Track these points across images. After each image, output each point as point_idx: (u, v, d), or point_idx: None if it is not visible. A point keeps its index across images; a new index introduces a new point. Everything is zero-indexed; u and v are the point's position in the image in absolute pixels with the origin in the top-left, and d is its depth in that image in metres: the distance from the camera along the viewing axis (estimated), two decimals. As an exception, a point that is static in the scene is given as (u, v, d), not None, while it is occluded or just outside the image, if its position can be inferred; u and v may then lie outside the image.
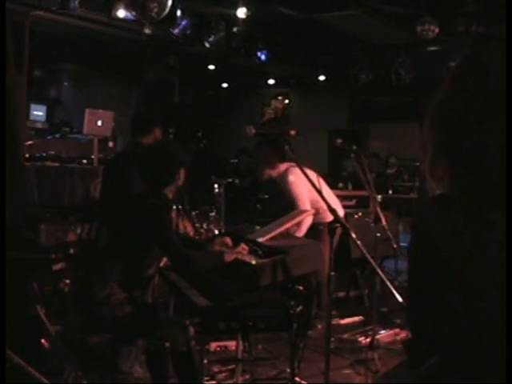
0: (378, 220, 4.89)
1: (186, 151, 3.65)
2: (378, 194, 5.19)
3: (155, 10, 5.95)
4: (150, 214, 3.27)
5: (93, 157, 6.20)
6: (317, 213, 4.95)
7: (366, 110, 11.42)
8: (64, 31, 7.73)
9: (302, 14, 7.31)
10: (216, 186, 6.85)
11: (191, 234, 5.92)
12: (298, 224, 4.91)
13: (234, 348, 4.05)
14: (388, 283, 2.95)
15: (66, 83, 10.57)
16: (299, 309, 3.20)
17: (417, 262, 1.23)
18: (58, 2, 5.80)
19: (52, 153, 6.36)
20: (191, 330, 3.32)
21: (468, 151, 1.15)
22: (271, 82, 11.46)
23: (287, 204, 5.25)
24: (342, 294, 6.28)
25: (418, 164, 9.37)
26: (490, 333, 1.12)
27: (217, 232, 6.11)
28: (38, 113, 8.58)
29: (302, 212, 4.61)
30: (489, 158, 1.12)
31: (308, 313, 4.92)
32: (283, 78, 11.31)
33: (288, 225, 3.89)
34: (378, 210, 4.86)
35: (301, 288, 3.22)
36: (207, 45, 7.43)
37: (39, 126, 8.19)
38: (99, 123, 6.18)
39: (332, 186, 5.80)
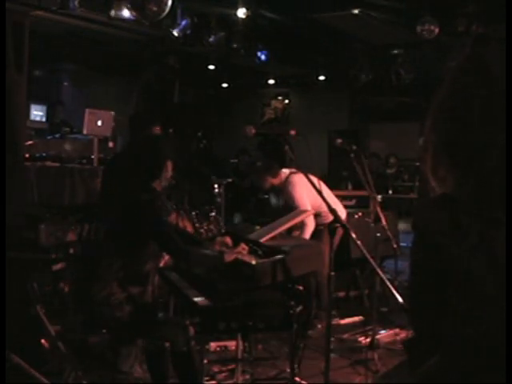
0: (377, 220, 4.89)
1: (169, 144, 3.65)
2: (378, 194, 5.19)
3: (155, 10, 5.95)
4: (139, 209, 3.27)
5: (93, 157, 6.20)
6: (318, 215, 4.96)
7: (365, 110, 11.42)
8: (64, 31, 7.73)
9: (301, 14, 7.31)
10: (216, 185, 6.85)
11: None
12: (302, 229, 4.93)
13: (233, 348, 4.05)
14: (388, 283, 2.94)
15: (65, 83, 10.57)
16: (299, 309, 3.20)
17: (419, 262, 1.23)
18: (58, 2, 5.80)
19: (52, 153, 6.35)
20: (191, 330, 3.32)
21: (471, 151, 1.15)
22: (271, 81, 11.46)
23: (287, 204, 5.26)
24: (342, 294, 6.28)
25: (417, 164, 9.37)
26: (491, 333, 1.12)
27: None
28: (38, 113, 8.58)
29: (302, 212, 4.61)
30: (491, 158, 1.12)
31: (308, 313, 4.93)
32: (283, 77, 11.31)
33: (288, 225, 3.89)
34: (378, 209, 4.86)
35: (301, 288, 3.23)
36: (207, 45, 7.43)
37: (39, 126, 8.19)
38: (99, 123, 6.18)
39: (332, 186, 5.79)
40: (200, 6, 7.13)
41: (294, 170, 5.06)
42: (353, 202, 6.59)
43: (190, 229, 5.98)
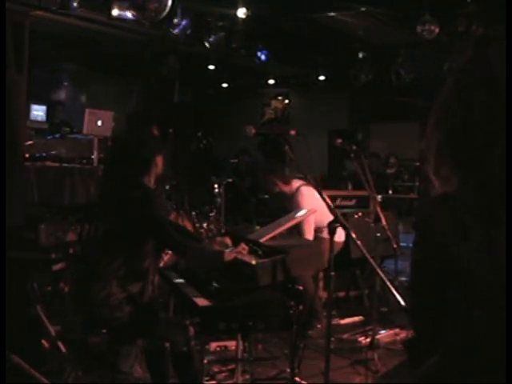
0: (377, 220, 4.89)
1: (158, 138, 3.63)
2: (378, 194, 5.19)
3: (155, 10, 5.95)
4: (131, 207, 3.26)
5: (93, 157, 6.20)
6: (319, 231, 4.98)
7: (366, 110, 11.42)
8: (64, 31, 7.73)
9: (301, 14, 7.31)
10: (216, 186, 6.85)
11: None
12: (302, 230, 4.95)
13: (233, 348, 4.05)
14: (388, 283, 2.94)
15: (65, 83, 10.57)
16: (299, 309, 3.20)
17: (419, 261, 1.23)
18: (58, 2, 5.80)
19: (52, 153, 6.35)
20: (191, 330, 3.32)
21: (474, 150, 1.15)
22: (271, 82, 11.46)
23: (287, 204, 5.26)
24: (342, 293, 6.28)
25: (417, 164, 9.38)
26: (491, 333, 1.12)
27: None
28: (38, 113, 8.58)
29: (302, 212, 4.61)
30: (494, 157, 1.13)
31: (307, 313, 4.93)
32: (283, 78, 11.32)
33: (288, 225, 3.89)
34: (378, 209, 4.86)
35: (301, 288, 3.23)
36: (207, 45, 7.43)
37: (39, 126, 8.19)
38: (99, 123, 6.18)
39: (332, 186, 5.80)
40: (200, 6, 7.13)
41: (304, 182, 5.08)
42: (353, 202, 6.59)
43: (190, 229, 5.98)
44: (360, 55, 8.89)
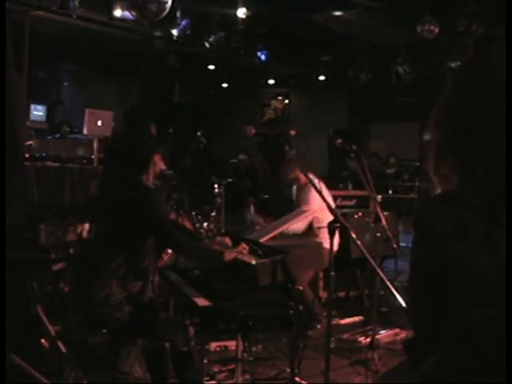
0: (377, 220, 4.89)
1: (154, 137, 3.62)
2: (378, 194, 5.19)
3: (155, 10, 5.95)
4: (131, 206, 3.26)
5: (93, 157, 6.21)
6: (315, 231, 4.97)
7: (365, 110, 11.43)
8: (64, 31, 7.73)
9: (302, 14, 7.31)
10: (216, 186, 6.85)
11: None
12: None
13: (234, 348, 4.05)
14: (388, 283, 2.95)
15: (65, 83, 10.57)
16: (299, 309, 3.20)
17: (419, 261, 1.23)
18: (58, 2, 5.80)
19: (52, 153, 6.35)
20: (191, 330, 3.32)
21: (474, 149, 1.16)
22: (271, 82, 11.46)
23: (287, 204, 5.25)
24: (342, 293, 6.28)
25: (417, 164, 9.38)
26: (491, 333, 1.12)
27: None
28: (38, 113, 8.58)
29: (302, 212, 4.61)
30: (496, 156, 1.13)
31: (307, 313, 4.93)
32: (283, 78, 11.31)
33: (288, 225, 3.90)
34: (378, 209, 4.86)
35: (301, 288, 3.23)
36: (207, 45, 7.43)
37: (39, 126, 8.19)
38: (99, 123, 6.18)
39: (332, 186, 5.79)
40: (200, 6, 7.13)
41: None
42: (353, 202, 6.58)
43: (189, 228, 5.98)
44: (360, 55, 8.90)
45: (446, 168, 1.20)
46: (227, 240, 3.64)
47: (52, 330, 3.62)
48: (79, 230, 4.96)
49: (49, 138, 7.26)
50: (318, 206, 4.82)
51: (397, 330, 5.20)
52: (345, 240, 4.94)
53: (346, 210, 6.16)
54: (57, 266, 4.65)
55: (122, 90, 10.94)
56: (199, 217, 6.18)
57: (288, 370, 3.92)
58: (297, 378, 3.66)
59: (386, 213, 5.35)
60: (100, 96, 10.27)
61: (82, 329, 3.46)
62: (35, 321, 3.64)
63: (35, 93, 7.77)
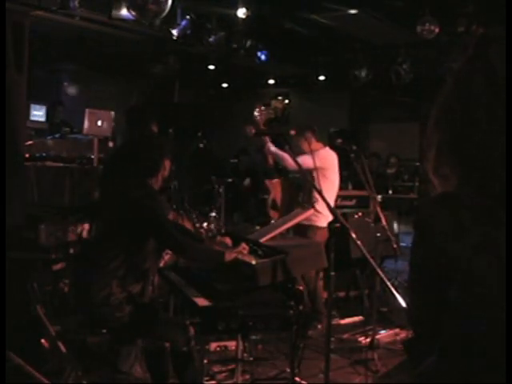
0: (377, 220, 4.89)
1: (167, 141, 3.64)
2: (378, 194, 5.19)
3: (155, 10, 5.95)
4: (133, 206, 3.27)
5: (93, 157, 6.21)
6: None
7: (366, 110, 11.43)
8: (64, 31, 7.73)
9: (302, 14, 7.31)
10: (216, 186, 6.86)
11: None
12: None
13: (233, 348, 4.05)
14: (388, 283, 2.94)
15: (65, 83, 10.57)
16: (299, 309, 3.20)
17: (419, 261, 1.23)
18: (58, 2, 5.80)
19: (52, 153, 6.36)
20: (191, 330, 3.32)
21: (475, 149, 1.16)
22: (271, 81, 11.46)
23: (287, 204, 5.26)
24: (342, 293, 6.28)
25: (417, 164, 9.38)
26: (492, 333, 1.12)
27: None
28: (38, 113, 8.58)
29: (302, 212, 4.61)
30: (495, 156, 1.13)
31: (311, 311, 4.94)
32: (283, 78, 11.31)
33: (288, 225, 3.89)
34: (378, 209, 4.86)
35: (301, 288, 3.23)
36: (207, 45, 7.43)
37: (39, 126, 8.19)
38: (99, 123, 6.18)
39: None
40: (200, 6, 7.12)
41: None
42: (353, 202, 6.59)
43: (190, 228, 5.98)
44: (360, 55, 8.89)
45: (446, 168, 1.20)
46: (227, 240, 3.64)
47: (52, 329, 3.62)
48: (79, 230, 4.96)
49: (49, 137, 7.26)
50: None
51: (397, 330, 5.20)
52: (345, 240, 4.95)
53: (346, 210, 6.16)
54: (57, 266, 4.65)
55: (122, 90, 10.94)
56: (199, 217, 6.19)
57: (288, 370, 3.92)
58: (297, 378, 3.66)
59: (386, 213, 5.35)
60: (100, 96, 10.26)
61: (82, 329, 3.46)
62: (35, 321, 3.64)
63: (35, 93, 7.77)
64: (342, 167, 5.48)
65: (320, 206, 4.43)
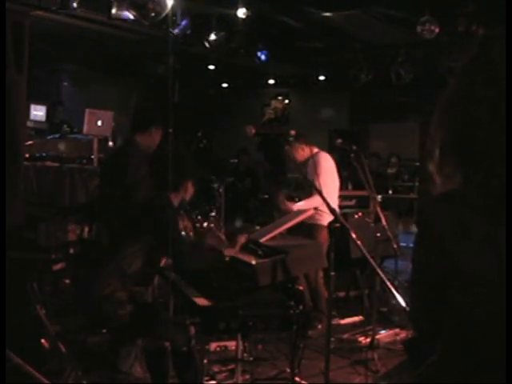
0: (378, 220, 4.89)
1: (197, 166, 3.68)
2: (378, 194, 5.19)
3: (155, 10, 5.95)
4: (148, 211, 3.29)
5: (93, 157, 6.21)
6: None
7: (365, 110, 11.42)
8: (64, 31, 7.72)
9: (302, 14, 7.31)
10: (216, 185, 6.85)
11: (191, 233, 5.92)
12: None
13: (233, 348, 4.05)
14: (388, 283, 2.94)
15: (65, 83, 10.57)
16: (299, 309, 3.20)
17: (421, 259, 1.23)
18: (58, 1, 5.80)
19: (52, 153, 6.35)
20: (192, 330, 3.32)
21: (479, 148, 1.16)
22: (271, 81, 11.45)
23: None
24: (342, 293, 6.28)
25: (417, 164, 9.38)
26: (492, 333, 1.12)
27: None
28: (38, 113, 8.57)
29: (302, 212, 4.61)
30: (498, 156, 1.13)
31: (306, 313, 4.93)
32: (283, 77, 11.30)
33: (288, 225, 3.89)
34: (378, 209, 4.86)
35: (301, 288, 3.23)
36: (207, 45, 7.42)
37: (39, 126, 8.18)
38: (99, 123, 6.18)
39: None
40: (200, 6, 7.12)
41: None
42: (353, 202, 6.59)
43: (190, 229, 5.98)
44: (360, 55, 8.89)
45: (450, 167, 1.20)
46: (220, 234, 3.67)
47: (52, 330, 3.62)
48: (79, 230, 4.97)
49: (49, 137, 7.26)
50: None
51: (397, 330, 5.20)
52: (345, 240, 4.95)
53: (346, 210, 6.16)
54: (57, 266, 4.65)
55: (122, 90, 10.94)
56: (199, 217, 6.19)
57: (288, 370, 3.92)
58: (297, 378, 3.66)
59: (386, 213, 5.35)
60: (100, 96, 10.26)
61: (82, 329, 3.46)
62: (35, 321, 3.64)
63: (35, 93, 7.76)
64: (342, 167, 5.49)
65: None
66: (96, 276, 3.28)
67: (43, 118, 8.57)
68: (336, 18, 7.41)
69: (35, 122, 8.21)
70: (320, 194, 3.43)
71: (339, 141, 5.13)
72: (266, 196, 7.89)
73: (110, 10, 6.27)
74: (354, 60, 9.01)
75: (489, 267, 1.11)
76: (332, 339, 4.31)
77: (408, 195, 8.15)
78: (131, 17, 6.18)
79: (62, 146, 6.56)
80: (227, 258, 3.36)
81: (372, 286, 5.04)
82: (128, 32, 7.39)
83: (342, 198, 6.29)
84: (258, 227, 4.07)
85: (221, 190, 6.83)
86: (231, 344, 4.29)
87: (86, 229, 5.10)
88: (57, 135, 7.43)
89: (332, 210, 3.22)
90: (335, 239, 3.25)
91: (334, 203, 5.01)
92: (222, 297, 3.10)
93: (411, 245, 1.24)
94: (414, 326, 1.28)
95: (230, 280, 3.26)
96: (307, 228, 4.88)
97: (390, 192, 7.92)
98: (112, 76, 10.62)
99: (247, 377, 4.01)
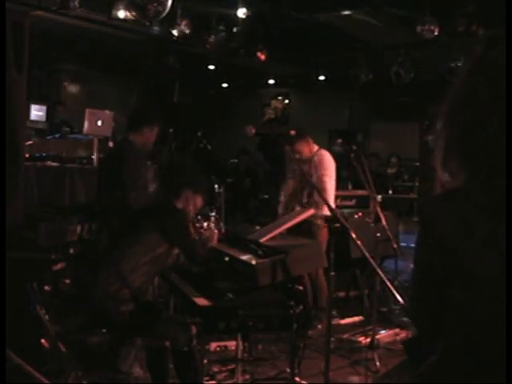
0: (378, 220, 4.89)
1: (201, 177, 3.73)
2: (378, 194, 5.19)
3: (155, 10, 5.95)
4: (154, 213, 3.32)
5: (93, 157, 6.21)
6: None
7: (366, 110, 11.42)
8: (64, 31, 7.73)
9: (302, 14, 7.31)
10: (216, 186, 6.85)
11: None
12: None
13: (233, 348, 4.05)
14: (388, 283, 2.95)
15: (65, 83, 10.57)
16: (299, 309, 3.20)
17: (423, 258, 1.23)
18: (58, 2, 5.80)
19: (52, 153, 6.36)
20: (193, 329, 3.32)
21: (483, 145, 1.16)
22: (271, 81, 11.45)
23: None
24: (342, 293, 6.28)
25: (418, 164, 9.38)
26: (492, 332, 1.12)
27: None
28: (38, 113, 8.57)
29: (302, 211, 4.61)
30: (502, 154, 1.14)
31: (306, 312, 4.93)
32: (283, 78, 11.30)
33: (288, 225, 3.89)
34: (378, 210, 4.86)
35: (301, 288, 3.23)
36: (207, 45, 7.42)
37: (39, 126, 8.18)
38: (99, 123, 6.19)
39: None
40: (200, 6, 7.12)
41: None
42: (353, 202, 6.58)
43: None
44: (360, 55, 8.89)
45: (454, 164, 1.21)
46: (213, 233, 3.73)
47: (52, 330, 3.62)
48: (79, 230, 4.97)
49: (49, 137, 7.26)
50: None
51: (397, 330, 5.20)
52: (345, 240, 4.95)
53: (346, 210, 6.16)
54: (57, 266, 4.65)
55: (122, 90, 10.94)
56: (199, 217, 6.19)
57: (288, 370, 3.92)
58: (297, 378, 3.66)
59: (386, 213, 5.35)
60: (100, 96, 10.27)
61: (82, 329, 3.47)
62: (35, 321, 3.64)
63: (35, 93, 7.77)
64: (342, 167, 5.49)
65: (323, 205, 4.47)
66: (99, 276, 3.28)
67: (43, 118, 8.58)
68: (336, 18, 7.41)
69: (35, 122, 8.21)
70: (320, 193, 3.43)
71: (339, 141, 5.14)
72: (266, 196, 7.88)
73: (110, 10, 6.27)
74: (353, 60, 9.01)
75: (491, 265, 1.11)
76: (332, 339, 4.31)
77: (408, 195, 8.15)
78: (131, 17, 6.18)
79: (62, 146, 6.57)
80: (227, 258, 3.37)
81: (372, 286, 5.04)
82: (128, 32, 7.39)
83: (341, 198, 6.29)
84: (258, 227, 4.07)
85: (221, 190, 6.83)
86: (231, 344, 4.29)
87: (86, 229, 5.10)
88: (57, 135, 7.44)
89: (332, 210, 3.23)
90: (335, 239, 3.25)
91: (332, 202, 5.03)
92: (222, 297, 3.10)
93: (411, 245, 1.24)
94: (414, 324, 1.28)
95: (230, 280, 3.26)
96: (306, 226, 4.88)
97: (390, 192, 7.92)
98: (112, 76, 10.62)
99: (247, 377, 4.01)
